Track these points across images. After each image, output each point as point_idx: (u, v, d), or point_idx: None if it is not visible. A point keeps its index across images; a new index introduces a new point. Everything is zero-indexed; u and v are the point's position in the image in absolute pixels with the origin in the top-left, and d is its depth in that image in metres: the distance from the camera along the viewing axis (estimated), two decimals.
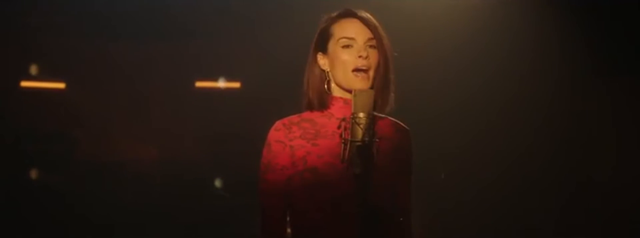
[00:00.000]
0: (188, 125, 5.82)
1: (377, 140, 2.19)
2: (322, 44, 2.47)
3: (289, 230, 2.46)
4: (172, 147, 5.85)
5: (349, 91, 2.40)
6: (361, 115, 2.17)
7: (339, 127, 2.36)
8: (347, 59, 2.39)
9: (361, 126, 2.15)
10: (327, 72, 2.45)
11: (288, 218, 2.45)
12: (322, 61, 2.47)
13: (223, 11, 5.53)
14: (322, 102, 2.45)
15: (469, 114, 5.43)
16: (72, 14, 5.51)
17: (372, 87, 2.39)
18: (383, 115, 2.46)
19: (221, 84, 5.97)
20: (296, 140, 2.42)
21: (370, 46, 2.40)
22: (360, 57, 2.37)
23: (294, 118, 2.48)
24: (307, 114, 2.49)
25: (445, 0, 5.28)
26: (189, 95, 5.86)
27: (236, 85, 6.04)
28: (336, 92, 2.46)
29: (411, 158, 2.50)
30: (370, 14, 2.46)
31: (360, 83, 2.37)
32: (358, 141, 2.15)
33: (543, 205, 5.58)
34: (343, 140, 2.24)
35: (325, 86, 2.46)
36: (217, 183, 5.86)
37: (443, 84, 5.28)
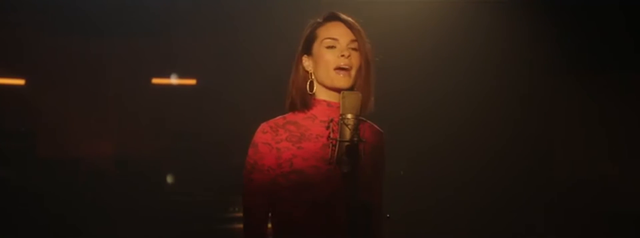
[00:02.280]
0: (144, 121, 5.84)
1: (364, 140, 2.27)
2: (307, 47, 2.57)
3: (270, 227, 2.54)
4: (128, 143, 5.87)
5: (332, 90, 2.51)
6: (349, 116, 2.26)
7: (327, 128, 2.44)
8: (330, 59, 2.49)
9: (349, 127, 2.24)
10: (311, 73, 2.54)
11: (269, 216, 2.54)
12: (307, 63, 2.57)
13: (180, 9, 5.55)
14: (305, 102, 2.54)
15: (442, 114, 5.53)
16: (29, 11, 5.48)
17: (353, 88, 2.49)
18: (362, 118, 2.53)
19: (177, 81, 6.00)
20: (282, 143, 2.50)
21: (353, 48, 2.50)
22: (342, 56, 2.48)
23: (279, 120, 2.56)
24: (291, 116, 2.57)
25: (414, 2, 5.39)
26: (145, 92, 5.88)
27: (192, 82, 6.07)
28: (319, 94, 2.55)
29: (384, 159, 2.62)
30: (353, 19, 2.56)
31: (341, 80, 2.47)
32: (346, 141, 2.24)
33: (518, 204, 5.70)
34: (331, 141, 2.32)
35: (308, 87, 2.55)
36: (171, 179, 5.88)
37: (416, 85, 5.37)
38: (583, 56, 5.55)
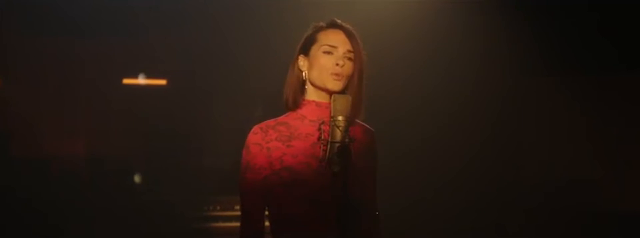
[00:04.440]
0: (115, 121, 5.86)
1: (353, 141, 2.37)
2: (305, 48, 2.68)
3: (267, 224, 2.66)
4: (99, 143, 5.88)
5: (323, 91, 2.64)
6: (340, 118, 2.37)
7: (318, 129, 2.56)
8: (325, 64, 2.61)
9: (340, 128, 2.35)
10: (304, 73, 2.66)
11: (267, 214, 2.66)
12: (302, 62, 2.68)
13: (150, 10, 5.57)
14: (296, 101, 2.66)
15: (422, 115, 5.59)
16: (2, 11, 5.48)
17: (344, 91, 2.61)
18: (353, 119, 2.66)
19: (148, 81, 6.03)
20: (272, 142, 2.62)
21: (348, 58, 2.62)
22: (337, 64, 2.59)
23: (270, 122, 2.67)
24: (282, 118, 2.68)
25: (390, 3, 5.45)
26: (116, 92, 5.90)
27: (163, 82, 6.11)
28: (310, 95, 2.67)
29: (376, 156, 2.73)
30: (353, 28, 2.68)
31: (333, 83, 2.59)
32: (337, 142, 2.35)
33: (500, 204, 5.80)
34: (322, 141, 2.43)
35: (300, 86, 2.67)
36: (138, 178, 5.90)
37: (394, 87, 5.43)
38: (561, 56, 5.64)
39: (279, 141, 2.61)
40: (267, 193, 2.60)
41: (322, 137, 2.49)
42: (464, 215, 5.67)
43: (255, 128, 2.65)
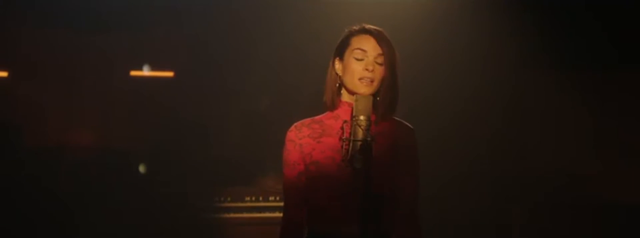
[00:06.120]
0: (126, 114, 5.93)
1: (375, 139, 2.49)
2: (341, 51, 2.81)
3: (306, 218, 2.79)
4: (110, 135, 5.95)
5: (354, 94, 2.73)
6: (362, 117, 2.49)
7: (341, 128, 2.70)
8: (356, 69, 2.73)
9: (362, 127, 2.47)
10: (340, 76, 2.79)
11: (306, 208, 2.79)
12: (338, 66, 2.81)
13: (156, 3, 5.63)
14: (334, 102, 2.81)
15: (426, 114, 5.64)
16: (10, 4, 5.54)
17: (375, 94, 2.73)
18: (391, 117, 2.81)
19: (158, 73, 6.10)
20: (304, 139, 2.78)
21: (378, 63, 2.74)
22: (366, 70, 2.72)
23: (307, 120, 2.83)
24: (319, 117, 2.83)
25: (395, 4, 5.53)
26: (126, 84, 5.97)
27: (172, 75, 6.17)
28: (344, 96, 2.81)
29: (416, 153, 2.83)
30: (384, 32, 2.79)
31: (364, 88, 2.71)
32: (359, 140, 2.47)
33: (504, 201, 5.87)
34: (345, 140, 2.56)
35: (337, 87, 2.80)
36: (149, 170, 5.96)
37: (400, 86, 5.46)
38: (567, 53, 5.72)
39: (310, 137, 2.77)
40: (303, 189, 2.76)
41: (345, 135, 2.61)
42: (468, 211, 5.74)
43: (292, 126, 2.82)
